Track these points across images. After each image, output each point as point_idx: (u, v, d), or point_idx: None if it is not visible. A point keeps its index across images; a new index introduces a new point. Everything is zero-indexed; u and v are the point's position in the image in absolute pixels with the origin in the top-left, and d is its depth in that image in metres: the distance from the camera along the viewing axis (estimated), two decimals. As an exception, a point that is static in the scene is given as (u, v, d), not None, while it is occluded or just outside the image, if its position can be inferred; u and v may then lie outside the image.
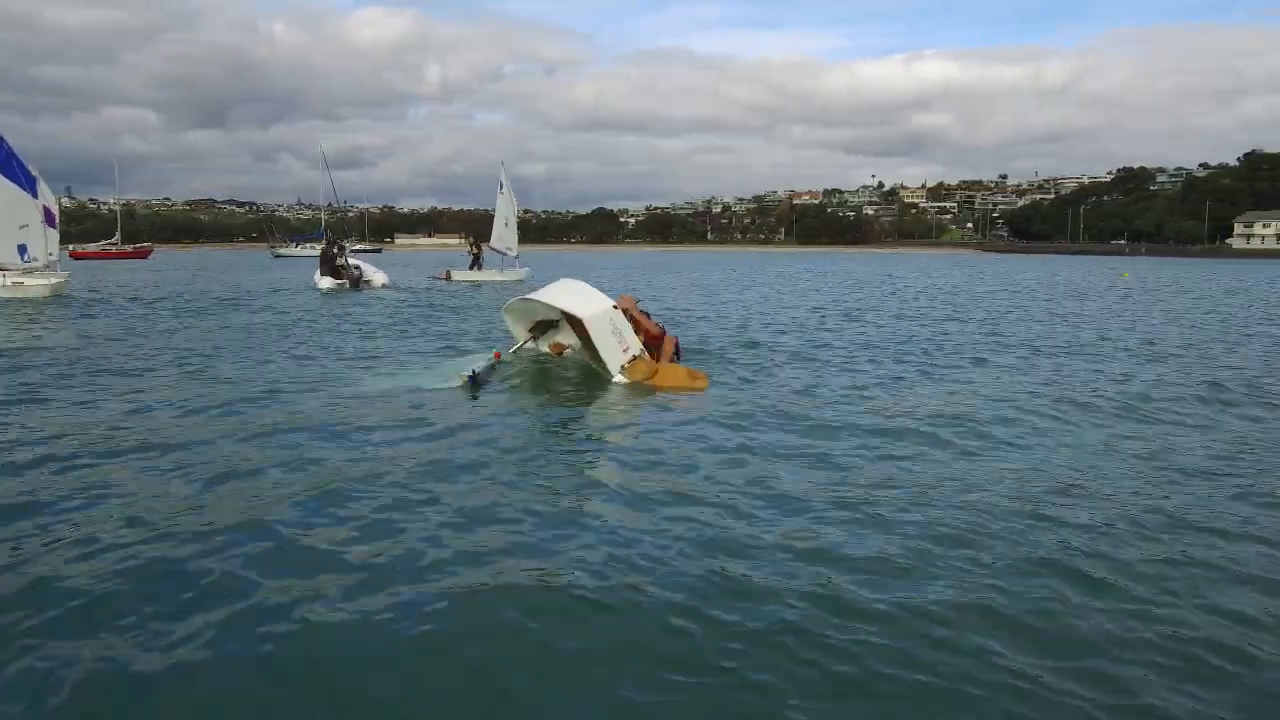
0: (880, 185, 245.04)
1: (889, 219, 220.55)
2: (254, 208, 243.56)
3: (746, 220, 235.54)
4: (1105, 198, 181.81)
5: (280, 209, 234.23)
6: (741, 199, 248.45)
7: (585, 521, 5.42)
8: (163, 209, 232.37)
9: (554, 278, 14.45)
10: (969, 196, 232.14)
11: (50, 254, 26.31)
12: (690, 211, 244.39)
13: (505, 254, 36.51)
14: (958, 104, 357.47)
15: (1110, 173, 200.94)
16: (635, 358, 10.69)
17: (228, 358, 12.57)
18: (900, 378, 11.27)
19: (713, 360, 12.50)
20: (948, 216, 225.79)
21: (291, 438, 7.49)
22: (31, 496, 5.80)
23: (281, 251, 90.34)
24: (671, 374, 10.55)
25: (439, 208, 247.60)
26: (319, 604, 4.22)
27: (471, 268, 36.34)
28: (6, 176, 24.93)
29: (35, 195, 25.70)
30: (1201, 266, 76.15)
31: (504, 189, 37.05)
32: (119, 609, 4.14)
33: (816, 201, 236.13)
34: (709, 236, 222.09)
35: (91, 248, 79.00)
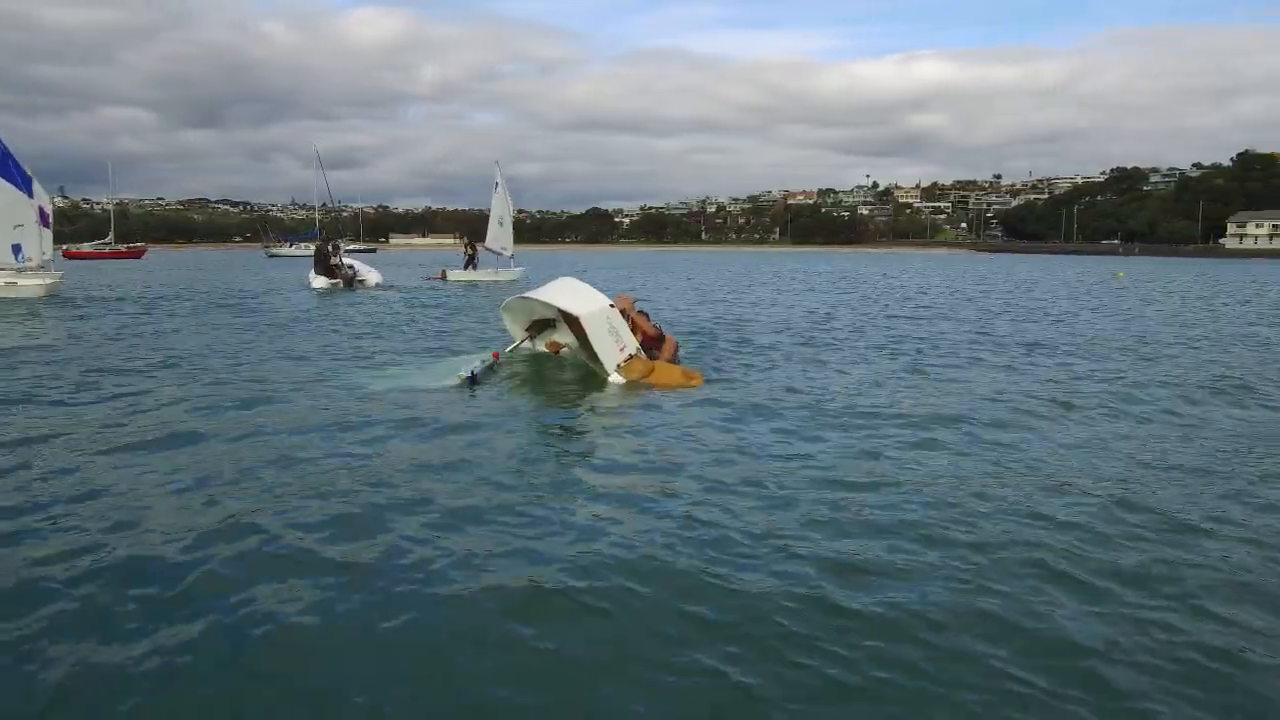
0: (875, 185, 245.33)
1: (884, 219, 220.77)
2: (248, 207, 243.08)
3: (741, 220, 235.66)
4: (1099, 198, 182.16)
5: (274, 209, 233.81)
6: (736, 199, 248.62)
7: (578, 523, 5.40)
8: (156, 209, 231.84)
9: (549, 278, 14.44)
10: (963, 196, 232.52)
11: (44, 254, 26.28)
12: (685, 211, 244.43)
13: (500, 254, 36.48)
14: (952, 104, 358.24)
15: (1104, 173, 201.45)
16: (631, 357, 10.70)
17: (222, 358, 12.55)
18: (894, 376, 11.28)
19: (708, 359, 12.51)
20: (942, 216, 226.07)
21: (286, 438, 7.47)
22: (22, 495, 5.77)
23: (276, 251, 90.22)
24: (667, 373, 10.57)
25: (433, 207, 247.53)
26: (306, 605, 4.20)
27: (466, 268, 36.31)
28: (2, 176, 24.89)
29: (31, 195, 25.70)
30: (1195, 266, 76.35)
31: (499, 189, 37.00)
32: (106, 609, 4.12)
33: (811, 201, 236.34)
34: (703, 236, 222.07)
35: (85, 247, 78.83)
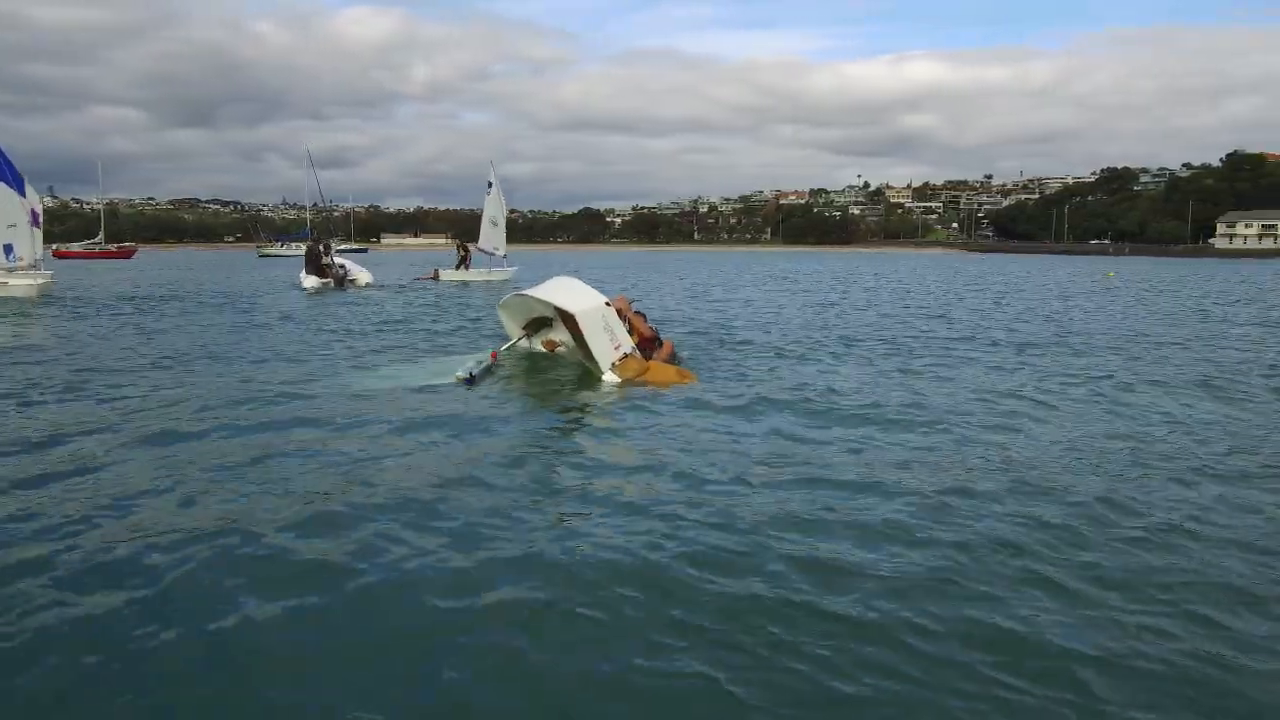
0: (866, 185, 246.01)
1: (875, 219, 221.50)
2: (239, 207, 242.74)
3: (733, 220, 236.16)
4: (1089, 198, 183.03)
5: (265, 209, 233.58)
6: (728, 199, 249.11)
7: (570, 525, 5.35)
8: (147, 208, 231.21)
9: (542, 278, 14.44)
10: (954, 196, 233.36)
11: (35, 254, 26.24)
12: (677, 211, 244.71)
13: (493, 254, 36.46)
14: (944, 104, 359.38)
15: (1095, 173, 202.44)
16: (626, 355, 10.69)
17: (212, 357, 12.49)
18: (886, 375, 11.29)
19: (701, 358, 12.50)
20: (933, 216, 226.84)
21: (276, 437, 7.43)
22: (5, 495, 5.73)
23: (267, 251, 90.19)
24: (661, 372, 10.56)
25: (425, 207, 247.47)
26: (288, 607, 4.17)
27: (458, 268, 36.29)
28: None
29: (24, 195, 25.66)
30: (1185, 266, 76.70)
31: (492, 189, 36.98)
32: (83, 610, 4.08)
33: (803, 201, 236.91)
34: (695, 236, 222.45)
35: (75, 247, 78.61)
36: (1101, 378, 11.27)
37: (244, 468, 6.45)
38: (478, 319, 19.11)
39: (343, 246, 67.64)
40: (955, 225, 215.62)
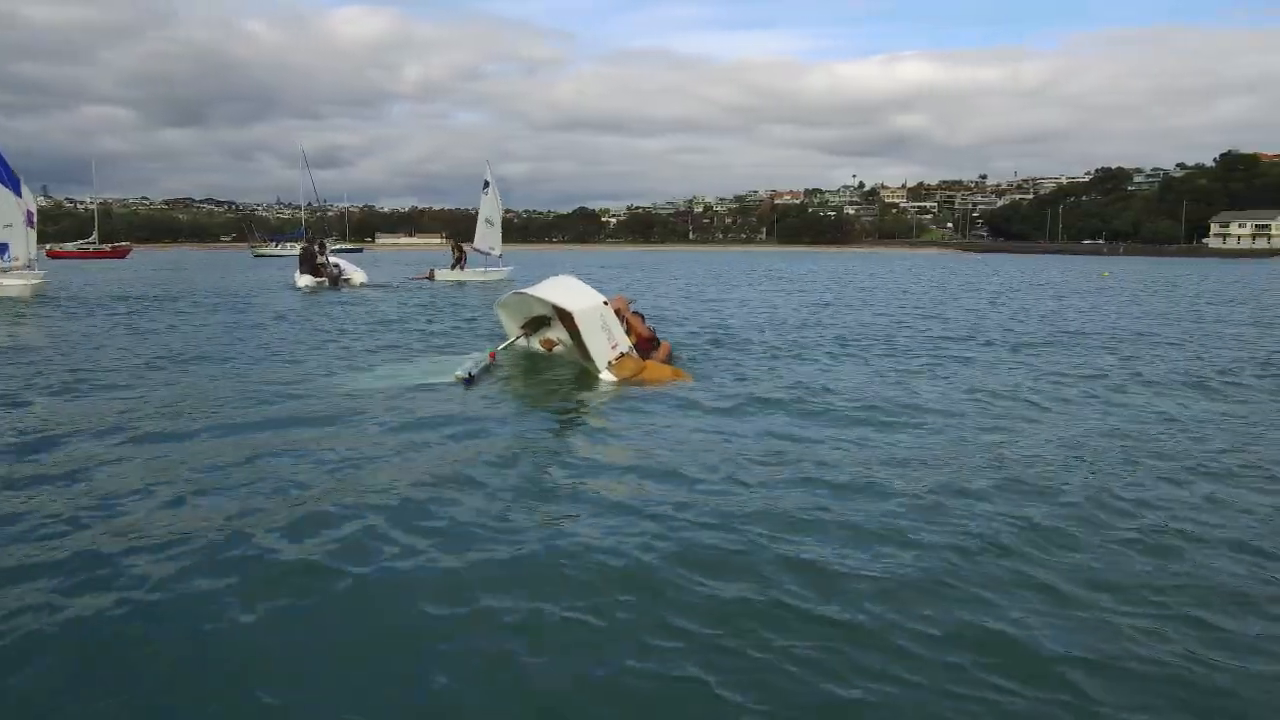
0: (861, 185, 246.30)
1: (870, 219, 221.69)
2: (233, 207, 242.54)
3: (728, 220, 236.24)
4: (1084, 198, 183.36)
5: (259, 208, 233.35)
6: (723, 199, 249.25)
7: (563, 527, 5.33)
8: (140, 208, 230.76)
9: (538, 278, 14.40)
10: (949, 196, 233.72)
11: (30, 254, 26.22)
12: (672, 211, 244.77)
13: (489, 254, 36.42)
14: (937, 104, 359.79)
15: (1088, 173, 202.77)
16: (623, 355, 10.70)
17: (208, 357, 12.47)
18: (882, 375, 11.29)
19: (697, 358, 12.51)
20: (928, 216, 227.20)
21: (270, 437, 7.42)
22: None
23: (261, 251, 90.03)
24: (658, 372, 10.59)
25: (419, 207, 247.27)
26: (277, 607, 4.16)
27: (454, 268, 36.25)
28: None
29: (19, 195, 25.65)
30: (1180, 266, 76.91)
31: (489, 188, 36.93)
32: (82, 611, 4.07)
33: (798, 201, 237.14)
34: (690, 236, 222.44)
35: (69, 247, 78.51)
36: (1095, 377, 11.30)
37: (238, 468, 6.43)
38: (473, 319, 19.11)
39: (337, 246, 67.56)
40: (950, 225, 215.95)
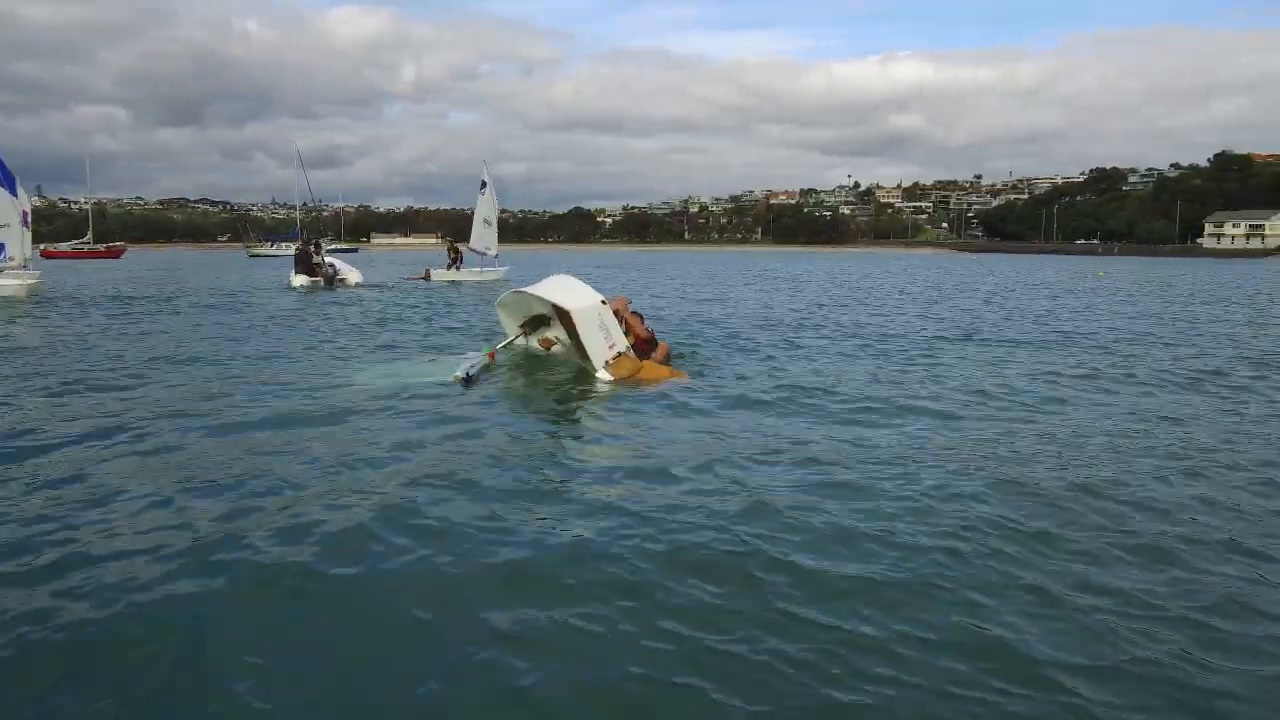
0: (856, 185, 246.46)
1: (865, 219, 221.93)
2: (228, 207, 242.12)
3: (724, 220, 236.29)
4: (1078, 198, 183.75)
5: (254, 208, 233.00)
6: (718, 199, 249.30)
7: (563, 528, 5.33)
8: (135, 208, 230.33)
9: (534, 277, 14.41)
10: (944, 196, 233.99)
11: (25, 254, 26.22)
12: (667, 211, 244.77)
13: (485, 254, 36.40)
14: (933, 105, 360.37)
15: (1083, 173, 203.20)
16: (620, 354, 10.72)
17: (202, 357, 12.44)
18: (878, 375, 11.30)
19: (695, 358, 12.52)
20: (923, 216, 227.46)
21: (268, 437, 7.41)
22: None
23: (256, 251, 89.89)
24: (654, 372, 10.62)
25: (415, 207, 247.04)
26: (268, 609, 4.16)
27: (449, 267, 36.22)
28: None
29: (15, 195, 25.64)
30: (1174, 266, 77.08)
31: (486, 188, 36.91)
32: (72, 611, 4.07)
33: (793, 201, 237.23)
34: (686, 236, 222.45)
35: (63, 247, 78.33)
36: (1089, 376, 11.33)
37: (233, 468, 6.42)
38: (469, 319, 19.11)
39: (333, 246, 67.45)
40: (945, 225, 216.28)
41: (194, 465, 6.49)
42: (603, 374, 10.35)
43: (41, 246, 68.15)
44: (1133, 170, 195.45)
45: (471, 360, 10.95)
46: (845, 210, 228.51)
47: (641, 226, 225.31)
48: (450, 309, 21.96)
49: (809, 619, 4.10)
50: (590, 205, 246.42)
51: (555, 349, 12.00)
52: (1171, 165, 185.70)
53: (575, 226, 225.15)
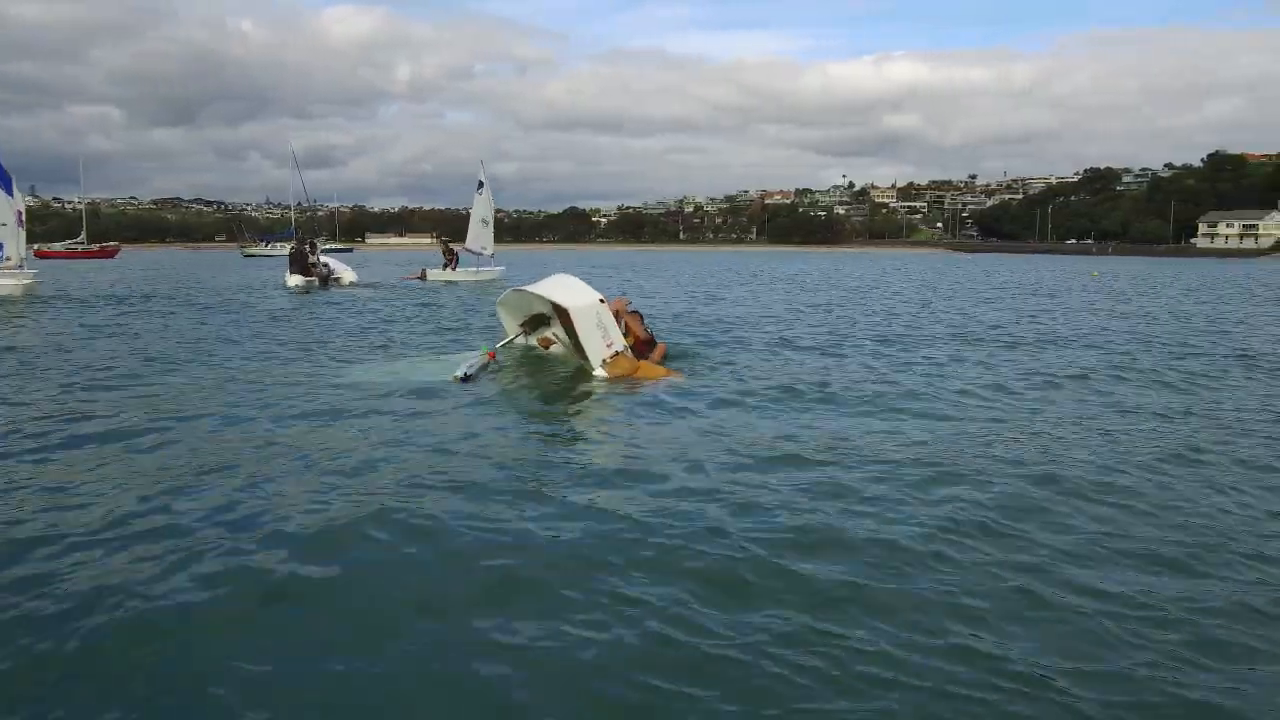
0: (851, 185, 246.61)
1: (860, 219, 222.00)
2: (222, 207, 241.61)
3: (719, 220, 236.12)
4: (1073, 198, 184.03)
5: (249, 208, 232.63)
6: (713, 199, 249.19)
7: (559, 529, 5.32)
8: (129, 208, 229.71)
9: (531, 277, 14.43)
10: (939, 196, 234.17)
11: (21, 253, 26.23)
12: (662, 211, 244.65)
13: (481, 254, 36.38)
14: (928, 105, 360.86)
15: (1077, 173, 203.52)
16: (618, 353, 10.75)
17: (198, 356, 12.44)
18: (876, 374, 11.32)
19: (693, 357, 12.52)
20: (918, 216, 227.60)
21: (263, 437, 7.42)
22: None
23: (251, 251, 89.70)
24: (651, 371, 10.66)
25: (410, 207, 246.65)
26: (264, 612, 4.15)
27: (445, 268, 36.19)
28: None
29: (11, 194, 25.63)
30: (1169, 266, 77.24)
31: (483, 188, 36.89)
32: (64, 617, 4.06)
33: (788, 201, 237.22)
34: (681, 236, 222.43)
35: (57, 247, 78.03)
36: (1084, 376, 11.36)
37: (228, 467, 6.42)
38: (466, 318, 19.11)
39: (328, 246, 67.32)
40: (940, 225, 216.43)
41: (189, 465, 6.49)
42: (600, 372, 10.39)
43: (35, 246, 67.96)
44: (1127, 170, 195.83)
45: (471, 359, 10.97)
46: (840, 210, 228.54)
47: (636, 226, 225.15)
48: (447, 309, 21.95)
49: (802, 623, 4.07)
50: (586, 205, 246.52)
51: (554, 348, 12.03)
52: (1165, 165, 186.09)
53: (570, 226, 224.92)
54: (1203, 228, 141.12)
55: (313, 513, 5.44)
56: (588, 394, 9.83)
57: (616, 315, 11.40)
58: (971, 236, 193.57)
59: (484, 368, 10.89)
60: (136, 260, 73.02)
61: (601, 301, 11.10)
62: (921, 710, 3.41)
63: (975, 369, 12.04)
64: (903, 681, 3.58)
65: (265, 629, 4.00)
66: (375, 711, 3.40)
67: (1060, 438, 7.81)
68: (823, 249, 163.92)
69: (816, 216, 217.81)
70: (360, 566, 4.65)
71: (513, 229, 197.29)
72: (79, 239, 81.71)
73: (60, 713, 3.34)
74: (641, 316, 12.59)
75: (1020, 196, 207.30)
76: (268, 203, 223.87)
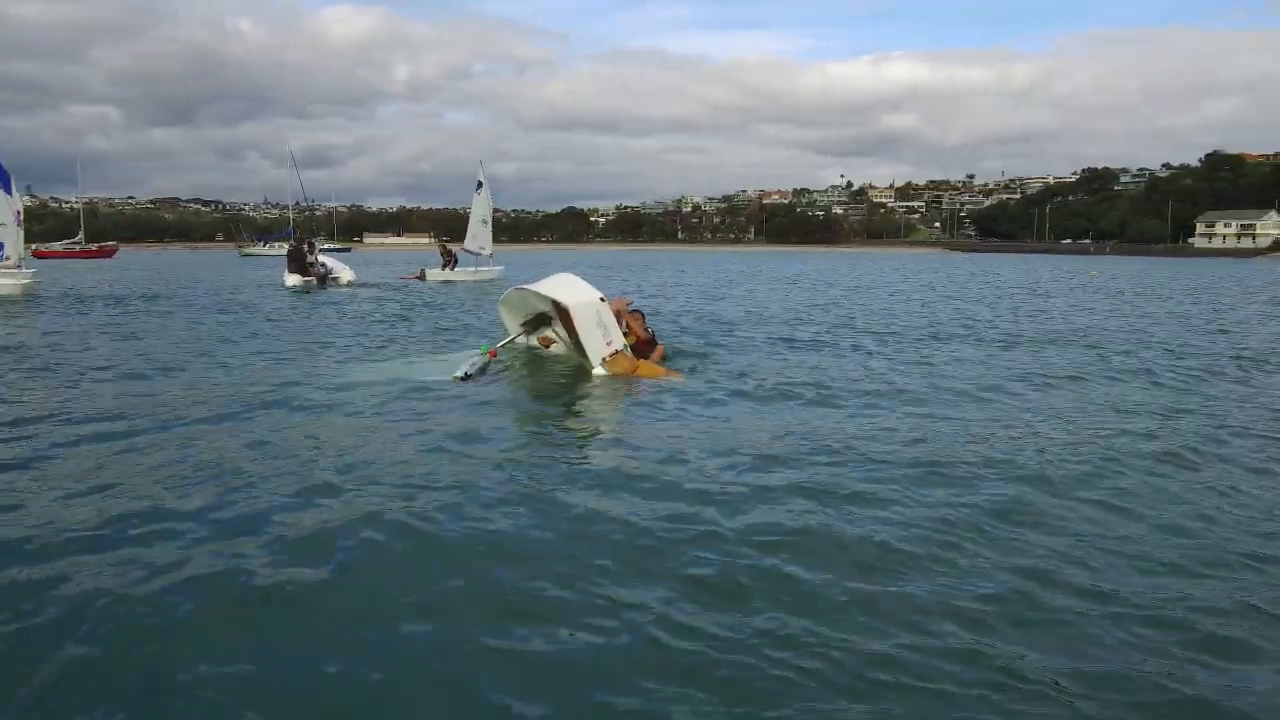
0: (849, 185, 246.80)
1: (858, 218, 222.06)
2: (220, 206, 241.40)
3: (717, 220, 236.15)
4: (1070, 197, 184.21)
5: (247, 208, 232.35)
6: (711, 198, 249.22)
7: (558, 527, 5.33)
8: (126, 208, 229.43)
9: (529, 277, 14.42)
10: (936, 196, 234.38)
11: (20, 253, 26.23)
12: (661, 211, 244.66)
13: (479, 254, 36.40)
14: (926, 105, 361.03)
15: (1075, 173, 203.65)
16: (617, 352, 10.76)
17: (197, 356, 12.42)
18: (874, 374, 11.31)
19: (692, 357, 12.52)
20: (916, 216, 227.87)
21: (261, 436, 7.40)
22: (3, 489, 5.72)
23: (249, 251, 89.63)
24: (649, 371, 10.68)
25: (408, 207, 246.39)
26: (262, 611, 4.14)
27: (444, 268, 36.19)
28: None
29: (10, 194, 25.63)
30: (1167, 265, 77.30)
31: (482, 188, 36.91)
32: (55, 620, 4.05)
33: (786, 201, 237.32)
34: (679, 236, 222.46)
35: (55, 247, 77.90)
36: (1081, 376, 11.38)
37: (228, 467, 6.41)
38: (466, 318, 19.10)
39: (326, 246, 67.27)
40: (938, 225, 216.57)
41: (186, 465, 6.47)
42: (599, 370, 10.40)
43: (33, 246, 67.87)
44: (1124, 170, 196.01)
45: (472, 359, 10.98)
46: (838, 210, 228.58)
47: (634, 226, 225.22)
48: (446, 309, 21.95)
49: (801, 625, 4.05)
50: (584, 205, 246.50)
51: (554, 347, 12.05)
52: (1163, 165, 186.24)
53: (568, 226, 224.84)
54: (1200, 227, 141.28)
55: (311, 513, 5.43)
56: (587, 394, 9.84)
57: (618, 315, 11.41)
58: (969, 236, 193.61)
59: (485, 367, 10.89)
60: (134, 260, 72.89)
61: (602, 300, 11.11)
62: (921, 711, 3.40)
63: (974, 368, 12.04)
64: (903, 683, 3.57)
65: (262, 630, 3.99)
66: (372, 712, 3.39)
67: (1059, 438, 7.81)
68: (821, 249, 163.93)
69: (814, 216, 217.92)
70: (358, 567, 4.64)
71: (510, 229, 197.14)
72: (76, 239, 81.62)
73: (56, 715, 3.33)
74: (643, 316, 12.61)
75: (1018, 196, 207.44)
76: (266, 202, 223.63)
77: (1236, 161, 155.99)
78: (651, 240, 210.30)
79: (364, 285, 31.05)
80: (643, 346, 11.66)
